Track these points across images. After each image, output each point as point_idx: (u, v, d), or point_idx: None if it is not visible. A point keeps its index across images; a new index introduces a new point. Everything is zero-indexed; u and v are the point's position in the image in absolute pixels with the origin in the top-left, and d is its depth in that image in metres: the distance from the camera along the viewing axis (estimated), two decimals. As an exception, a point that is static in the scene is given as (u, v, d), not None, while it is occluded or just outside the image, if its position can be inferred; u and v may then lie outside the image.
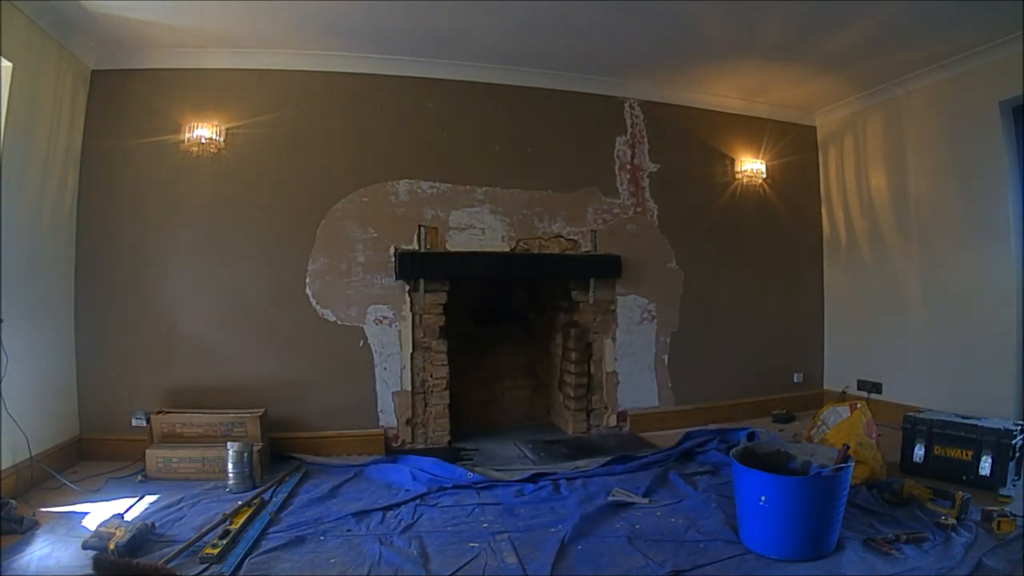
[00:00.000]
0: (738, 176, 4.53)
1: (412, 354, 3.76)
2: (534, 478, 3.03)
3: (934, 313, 3.98)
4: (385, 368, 3.72)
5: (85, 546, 2.19)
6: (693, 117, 4.44)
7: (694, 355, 4.37)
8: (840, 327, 4.72)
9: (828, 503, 2.17)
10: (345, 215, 3.70)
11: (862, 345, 4.50)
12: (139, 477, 3.04)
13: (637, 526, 2.48)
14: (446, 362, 3.82)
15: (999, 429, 2.86)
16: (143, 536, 2.25)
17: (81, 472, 3.13)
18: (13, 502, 2.46)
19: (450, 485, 2.94)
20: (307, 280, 3.65)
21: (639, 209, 4.29)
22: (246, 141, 3.59)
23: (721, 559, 2.18)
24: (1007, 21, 3.19)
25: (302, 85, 3.69)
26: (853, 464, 2.38)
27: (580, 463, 3.36)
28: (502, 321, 4.43)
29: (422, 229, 3.79)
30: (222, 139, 3.53)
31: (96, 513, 2.56)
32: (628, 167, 4.27)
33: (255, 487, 2.93)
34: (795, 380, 4.72)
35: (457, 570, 2.11)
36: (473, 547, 2.28)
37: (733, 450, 2.41)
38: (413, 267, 3.69)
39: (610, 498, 2.75)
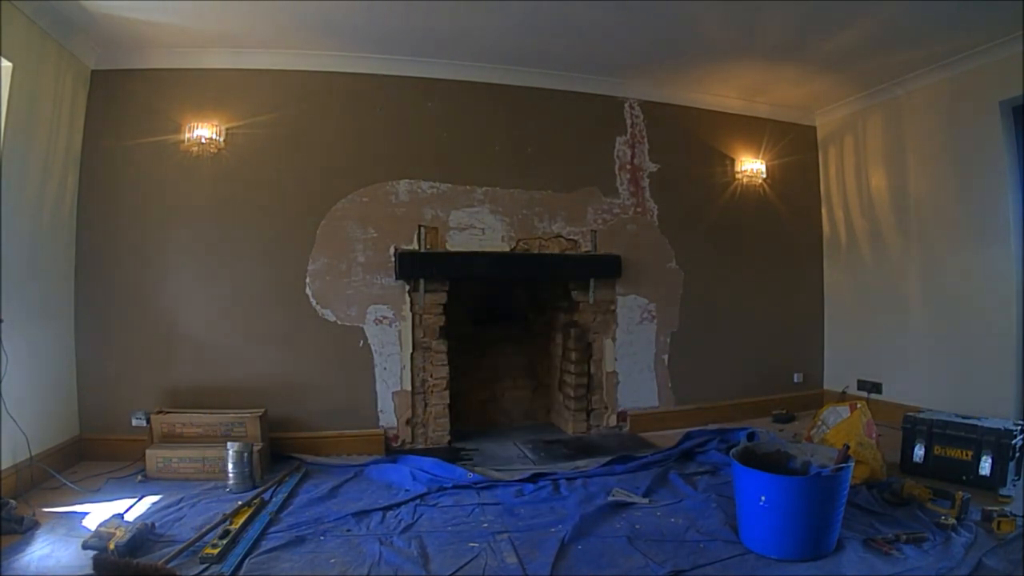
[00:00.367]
0: (738, 176, 4.53)
1: (412, 354, 3.76)
2: (534, 478, 3.03)
3: (934, 313, 3.98)
4: (385, 368, 3.72)
5: (85, 546, 2.19)
6: (693, 117, 4.44)
7: (694, 355, 4.37)
8: (840, 327, 4.72)
9: (828, 503, 2.17)
10: (345, 215, 3.70)
11: (862, 345, 4.50)
12: (139, 477, 3.04)
13: (637, 526, 2.48)
14: (446, 362, 3.82)
15: (999, 429, 2.86)
16: (143, 536, 2.25)
17: (81, 472, 3.12)
18: (13, 502, 2.46)
19: (450, 485, 2.94)
20: (307, 280, 3.65)
21: (639, 209, 4.29)
22: (246, 141, 3.59)
23: (721, 559, 2.18)
24: (1007, 21, 3.19)
25: (302, 85, 3.69)
26: (853, 464, 2.37)
27: (580, 463, 3.36)
28: (502, 321, 4.43)
29: (422, 229, 3.79)
30: (222, 139, 3.53)
31: (96, 513, 2.55)
32: (628, 167, 4.27)
33: (255, 487, 2.93)
34: (795, 380, 4.72)
35: (457, 570, 2.11)
36: (473, 547, 2.28)
37: (733, 450, 2.41)
38: (413, 267, 3.69)
39: (610, 498, 2.75)
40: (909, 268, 4.15)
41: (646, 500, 2.76)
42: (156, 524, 2.41)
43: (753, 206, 4.58)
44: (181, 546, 2.19)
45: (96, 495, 2.82)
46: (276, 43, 3.53)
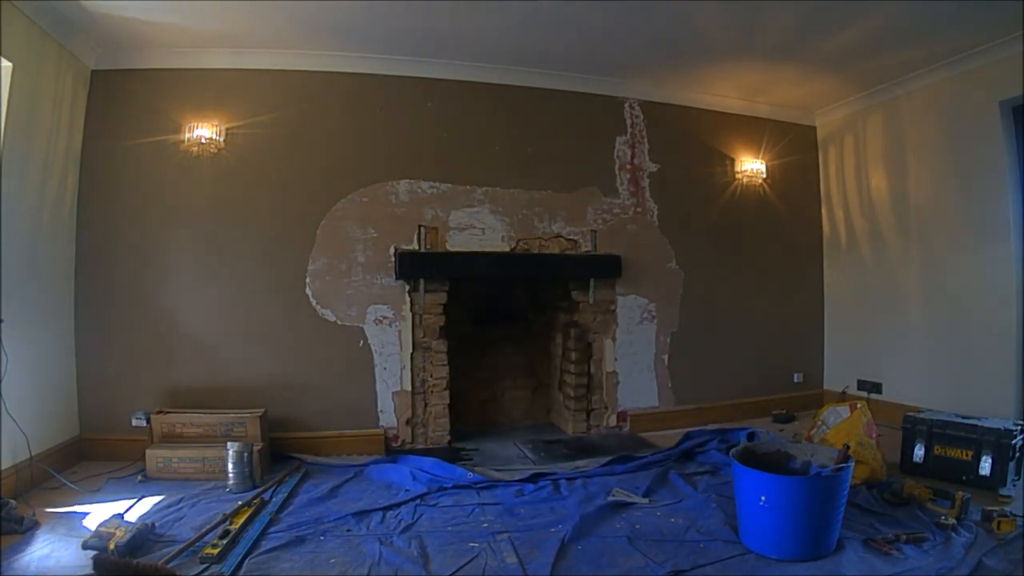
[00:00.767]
0: (738, 176, 4.53)
1: (412, 354, 3.76)
2: (534, 478, 3.03)
3: (934, 313, 3.98)
4: (385, 368, 3.72)
5: (85, 546, 2.19)
6: (693, 117, 4.44)
7: (694, 355, 4.37)
8: (840, 327, 4.72)
9: (828, 503, 2.17)
10: (345, 215, 3.70)
11: (862, 345, 4.50)
12: (139, 477, 3.04)
13: (637, 526, 2.48)
14: (446, 362, 3.82)
15: (999, 429, 2.86)
16: (143, 536, 2.25)
17: (81, 472, 3.12)
18: (13, 502, 2.46)
19: (450, 485, 2.94)
20: (307, 280, 3.65)
21: (639, 209, 4.29)
22: (246, 141, 3.59)
23: (721, 559, 2.18)
24: (1007, 21, 3.19)
25: (302, 85, 3.69)
26: (853, 464, 2.37)
27: (580, 463, 3.36)
28: (502, 321, 4.43)
29: (422, 229, 3.79)
30: (222, 139, 3.53)
31: (96, 513, 2.56)
32: (628, 167, 4.27)
33: (255, 487, 2.93)
34: (795, 380, 4.72)
35: (457, 570, 2.11)
36: (473, 547, 2.28)
37: (733, 450, 2.41)
38: (413, 267, 3.69)
39: (610, 498, 2.75)
40: (909, 268, 4.15)
41: (646, 500, 2.76)
42: (156, 524, 2.41)
43: (753, 206, 4.58)
44: (181, 546, 2.19)
45: (96, 495, 2.82)
46: (276, 43, 3.53)
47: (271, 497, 2.80)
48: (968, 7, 3.07)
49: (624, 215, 4.24)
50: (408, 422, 3.75)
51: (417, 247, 3.77)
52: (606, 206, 4.20)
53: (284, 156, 3.65)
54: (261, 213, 3.61)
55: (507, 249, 3.96)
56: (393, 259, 3.74)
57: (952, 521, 2.35)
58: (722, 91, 4.39)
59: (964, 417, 3.06)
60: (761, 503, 2.18)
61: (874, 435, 3.06)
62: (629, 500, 2.74)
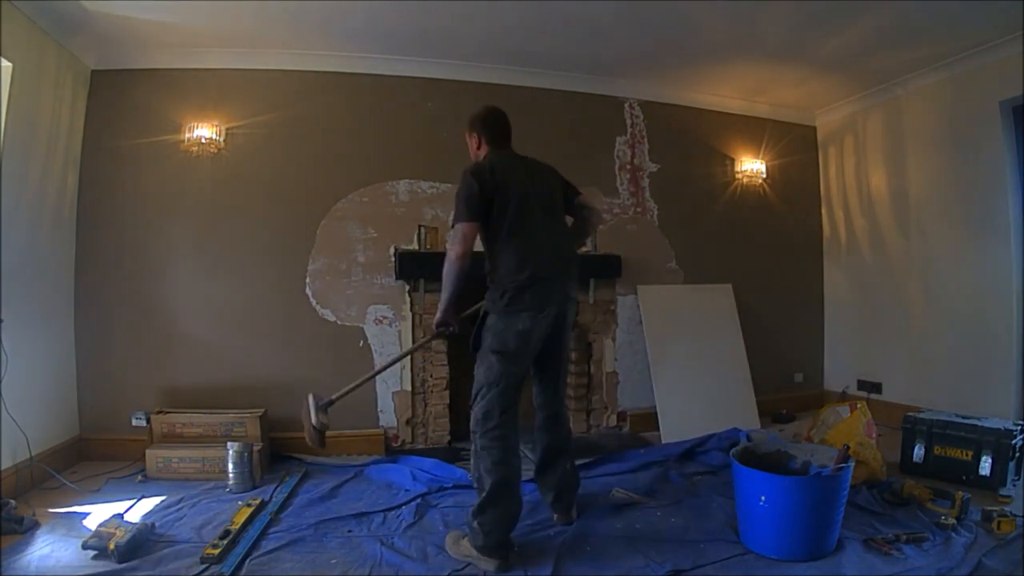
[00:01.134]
0: (738, 176, 4.53)
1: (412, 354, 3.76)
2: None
3: (934, 313, 3.98)
4: (385, 368, 3.72)
5: (85, 546, 2.18)
6: (693, 117, 4.44)
7: (694, 355, 4.36)
8: (840, 327, 4.72)
9: (828, 503, 2.17)
10: (345, 215, 3.70)
11: (862, 345, 4.50)
12: (139, 477, 3.04)
13: (637, 526, 2.48)
14: (446, 362, 3.82)
15: (999, 429, 2.86)
16: (143, 536, 2.25)
17: (81, 472, 3.13)
18: (13, 502, 2.46)
19: (451, 485, 2.94)
20: (307, 280, 3.65)
21: (639, 209, 4.29)
22: (246, 141, 3.59)
23: (721, 559, 2.18)
24: (1007, 21, 3.19)
25: (302, 85, 3.69)
26: (853, 464, 2.38)
27: (580, 463, 3.35)
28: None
29: (422, 229, 3.79)
30: (222, 139, 3.53)
31: (96, 513, 2.56)
32: (628, 167, 4.27)
33: (255, 487, 2.93)
34: (795, 380, 4.72)
35: (458, 570, 2.11)
36: (473, 547, 2.28)
37: (733, 450, 2.41)
38: (413, 267, 3.69)
39: (611, 498, 2.75)
40: (909, 268, 4.15)
41: (646, 500, 2.76)
42: (156, 524, 2.41)
43: (753, 206, 4.58)
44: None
45: (96, 495, 2.82)
46: (276, 43, 3.53)
47: (271, 497, 2.80)
48: (968, 7, 3.06)
49: (624, 215, 4.24)
50: (408, 422, 3.75)
51: (417, 247, 3.77)
52: (606, 206, 4.20)
53: (284, 156, 3.65)
54: (261, 213, 3.61)
55: (507, 249, 3.95)
56: (393, 259, 3.74)
57: (952, 521, 2.35)
58: (722, 91, 4.39)
59: (964, 417, 3.06)
60: (761, 503, 2.18)
61: (874, 435, 3.06)
62: (630, 500, 2.74)
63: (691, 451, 3.44)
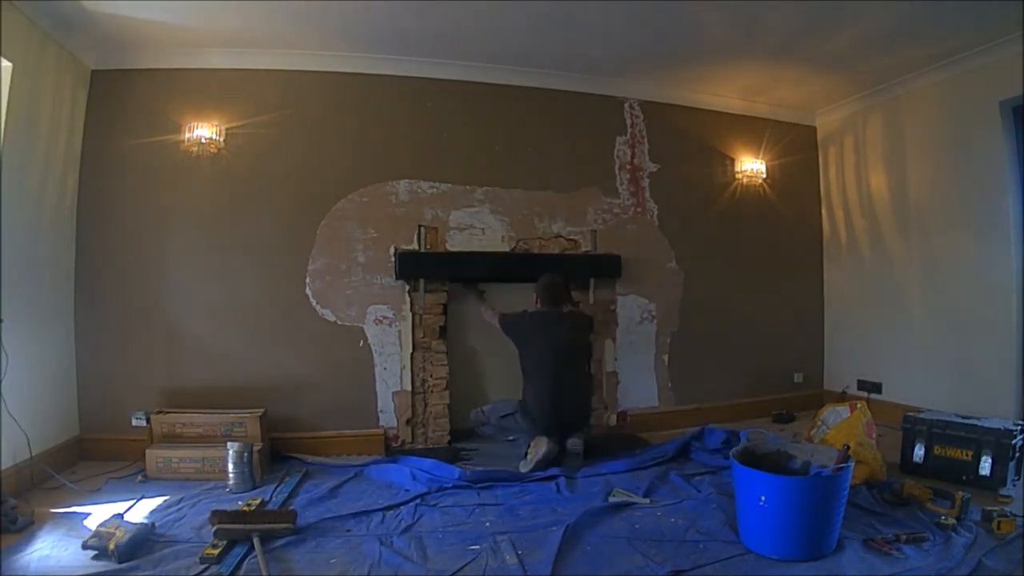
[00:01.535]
0: (738, 176, 4.53)
1: (412, 354, 3.76)
2: (535, 478, 3.04)
3: (934, 313, 3.98)
4: (385, 368, 3.72)
5: (85, 546, 2.19)
6: (693, 117, 4.44)
7: (694, 355, 4.37)
8: (840, 327, 4.72)
9: (828, 503, 2.17)
10: (345, 215, 3.70)
11: (862, 345, 4.50)
12: (139, 477, 3.04)
13: (637, 526, 2.48)
14: (446, 362, 3.82)
15: (999, 429, 2.86)
16: (143, 536, 2.25)
17: (81, 472, 3.12)
18: (13, 501, 2.46)
19: (450, 485, 2.94)
20: (307, 280, 3.65)
21: (639, 209, 4.29)
22: (246, 141, 3.59)
23: (721, 559, 2.18)
24: (1007, 21, 3.19)
25: (302, 85, 3.69)
26: (853, 464, 2.37)
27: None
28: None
29: (422, 229, 3.79)
30: (222, 139, 3.53)
31: (96, 513, 2.55)
32: (628, 167, 4.27)
33: (255, 487, 2.93)
34: (795, 380, 4.72)
35: (458, 570, 2.11)
36: (474, 548, 2.28)
37: (733, 450, 2.41)
38: (413, 267, 3.69)
39: (611, 499, 2.75)
40: (909, 268, 4.15)
41: (646, 500, 2.76)
42: (156, 524, 2.41)
43: (753, 206, 4.58)
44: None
45: (96, 495, 2.82)
46: (276, 43, 3.53)
47: (271, 497, 2.80)
48: (968, 7, 3.06)
49: (624, 215, 4.24)
50: (408, 422, 3.75)
51: (417, 247, 3.77)
52: (606, 206, 4.20)
53: (284, 156, 3.65)
54: (261, 213, 3.61)
55: (507, 249, 3.96)
56: (393, 259, 3.74)
57: (952, 521, 2.35)
58: (722, 91, 4.39)
59: (964, 417, 3.06)
60: (761, 503, 2.18)
61: (874, 435, 3.05)
62: (629, 500, 2.74)
63: (688, 450, 3.45)
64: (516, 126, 4.06)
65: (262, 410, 3.31)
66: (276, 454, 3.37)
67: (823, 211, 4.83)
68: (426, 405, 3.80)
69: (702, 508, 2.64)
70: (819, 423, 3.29)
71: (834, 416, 3.23)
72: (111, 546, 2.12)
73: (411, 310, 3.76)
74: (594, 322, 3.82)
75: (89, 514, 2.56)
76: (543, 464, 3.17)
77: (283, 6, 3.08)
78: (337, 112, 3.75)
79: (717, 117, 4.50)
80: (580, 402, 3.53)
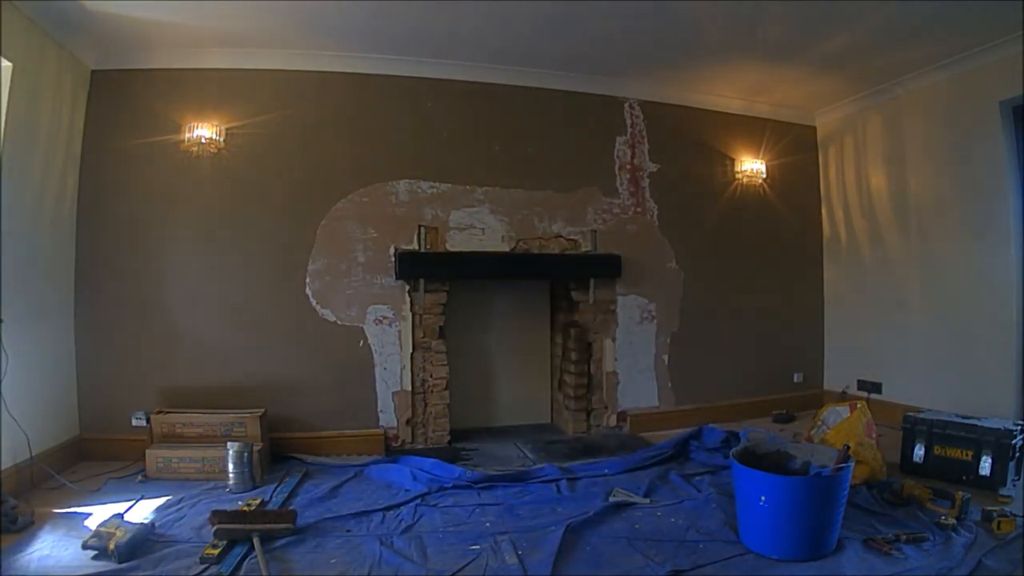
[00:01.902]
0: (738, 176, 4.53)
1: (412, 354, 3.76)
2: (535, 478, 3.03)
3: (934, 313, 3.98)
4: (385, 368, 3.72)
5: (85, 546, 2.19)
6: (693, 117, 4.44)
7: (694, 355, 4.37)
8: (840, 327, 4.72)
9: (828, 503, 2.17)
10: (345, 215, 3.70)
11: (862, 345, 4.50)
12: (139, 477, 3.04)
13: (637, 526, 2.49)
14: (446, 362, 3.82)
15: (999, 429, 2.86)
16: (143, 536, 2.25)
17: (81, 472, 3.13)
18: (13, 501, 2.46)
19: (450, 485, 2.94)
20: (307, 280, 3.65)
21: (639, 209, 4.29)
22: (246, 141, 3.59)
23: (721, 559, 2.18)
24: (1007, 21, 3.19)
25: (302, 85, 3.69)
26: (853, 464, 2.37)
27: (580, 463, 3.36)
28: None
29: (422, 229, 3.79)
30: (222, 139, 3.53)
31: (96, 513, 2.55)
32: (628, 167, 4.27)
33: (255, 487, 2.93)
34: (795, 380, 4.72)
35: (458, 570, 2.11)
36: (474, 548, 2.28)
37: (733, 450, 2.41)
38: (413, 267, 3.69)
39: (611, 499, 2.75)
40: (909, 268, 4.15)
41: (646, 500, 2.76)
42: (156, 524, 2.42)
43: (753, 206, 4.58)
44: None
45: (96, 495, 2.82)
46: (276, 43, 3.53)
47: (271, 497, 2.80)
48: (968, 7, 3.06)
49: (624, 215, 4.24)
50: (408, 422, 3.75)
51: (417, 247, 3.77)
52: (606, 206, 4.20)
53: (284, 156, 3.65)
54: (261, 213, 3.61)
55: (507, 249, 3.96)
56: (393, 259, 3.74)
57: (952, 521, 2.36)
58: (722, 91, 4.39)
59: (964, 417, 3.06)
60: (761, 503, 2.18)
61: (874, 435, 3.06)
62: (629, 500, 2.74)
63: (686, 447, 3.46)
64: (516, 126, 4.06)
65: (262, 410, 3.31)
66: (276, 454, 3.37)
67: (823, 211, 4.83)
68: (426, 405, 3.80)
69: (702, 508, 2.64)
70: (819, 423, 3.29)
71: (834, 416, 3.23)
72: (111, 546, 2.12)
73: (411, 310, 3.76)
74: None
75: (89, 514, 2.56)
76: None
77: (283, 6, 3.08)
78: (337, 112, 3.75)
79: (717, 117, 4.50)
80: None
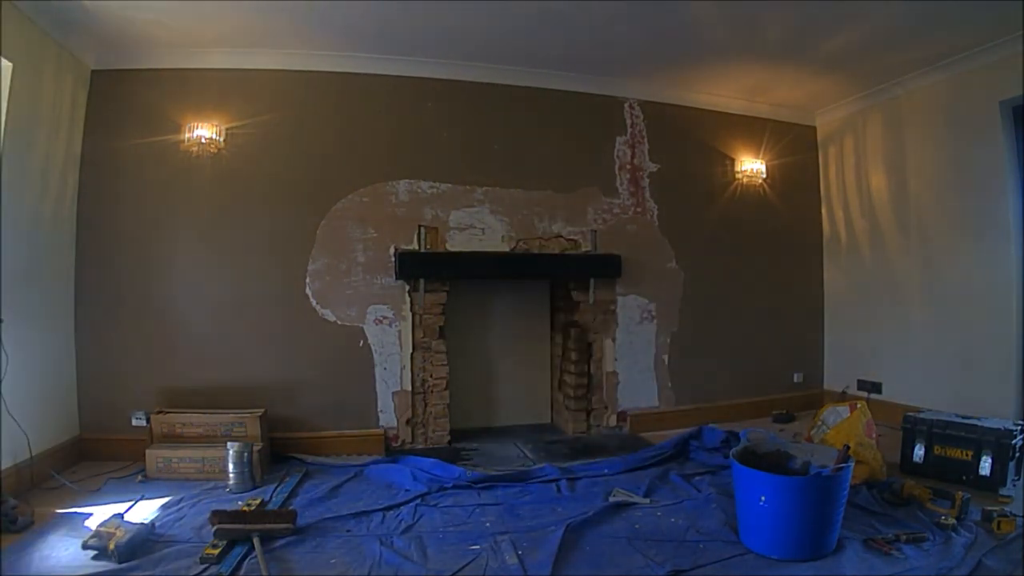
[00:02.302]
0: (738, 176, 4.53)
1: (412, 354, 3.76)
2: (534, 476, 3.03)
3: (934, 313, 3.98)
4: (385, 368, 3.72)
5: (85, 546, 2.19)
6: (693, 117, 4.44)
7: (694, 355, 4.37)
8: (840, 327, 4.72)
9: (828, 503, 2.17)
10: (345, 215, 3.70)
11: (862, 345, 4.50)
12: (139, 477, 3.04)
13: (637, 526, 2.49)
14: (446, 362, 3.82)
15: (999, 429, 2.86)
16: (143, 536, 2.25)
17: (81, 472, 3.13)
18: (13, 501, 2.46)
19: (450, 485, 2.94)
20: (307, 280, 3.65)
21: (639, 209, 4.29)
22: (246, 141, 3.59)
23: (721, 559, 2.18)
24: (1007, 21, 3.19)
25: (302, 85, 3.69)
26: (853, 464, 2.37)
27: (580, 463, 3.36)
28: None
29: (422, 229, 3.79)
30: (222, 139, 3.53)
31: (96, 513, 2.55)
32: (628, 167, 4.27)
33: (255, 487, 2.93)
34: (795, 380, 4.72)
35: (458, 570, 2.11)
36: (474, 547, 2.28)
37: (733, 450, 2.42)
38: (413, 267, 3.69)
39: (611, 499, 2.75)
40: (909, 268, 4.15)
41: (646, 500, 2.76)
42: (156, 524, 2.42)
43: (753, 206, 4.58)
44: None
45: (96, 495, 2.82)
46: (276, 43, 3.53)
47: (271, 497, 2.80)
48: (968, 7, 3.06)
49: (624, 215, 4.24)
50: (408, 422, 3.75)
51: (417, 247, 3.77)
52: (606, 206, 4.20)
53: (284, 156, 3.65)
54: (261, 213, 3.61)
55: (507, 249, 3.96)
56: (393, 259, 3.74)
57: (952, 521, 2.36)
58: (722, 91, 4.39)
59: (964, 417, 3.06)
60: (761, 503, 2.18)
61: (874, 435, 3.06)
62: (630, 500, 2.74)
63: (686, 447, 3.46)
64: (516, 126, 4.06)
65: (262, 410, 3.31)
66: (276, 454, 3.37)
67: (823, 211, 4.83)
68: (426, 405, 3.80)
69: (702, 508, 2.64)
70: (819, 423, 3.29)
71: (834, 416, 3.23)
72: (111, 546, 2.12)
73: (411, 310, 3.76)
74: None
75: (89, 514, 2.56)
76: None
77: (283, 6, 3.08)
78: (337, 112, 3.75)
79: (717, 117, 4.50)
80: None
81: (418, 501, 2.75)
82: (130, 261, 3.47)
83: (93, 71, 3.47)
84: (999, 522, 2.32)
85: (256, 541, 2.23)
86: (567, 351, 4.16)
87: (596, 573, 2.11)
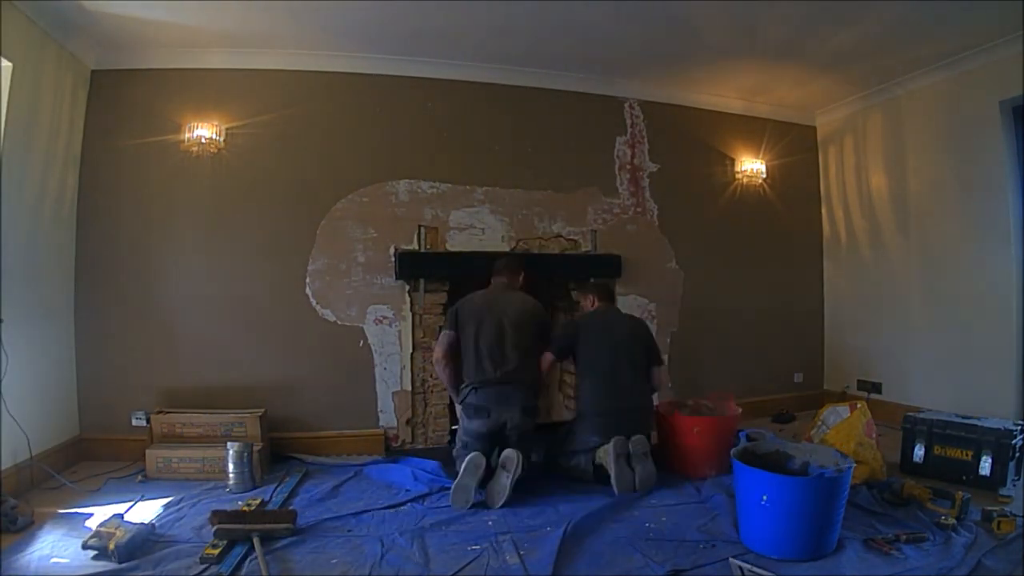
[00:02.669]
0: (738, 176, 4.53)
1: (412, 354, 3.76)
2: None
3: (934, 313, 3.98)
4: (385, 368, 3.72)
5: (85, 546, 2.18)
6: (693, 117, 4.44)
7: (694, 355, 4.36)
8: (840, 327, 4.72)
9: (829, 503, 2.17)
10: (345, 215, 3.70)
11: (862, 345, 4.50)
12: (139, 477, 3.04)
13: (637, 525, 2.48)
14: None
15: (999, 429, 2.86)
16: (143, 536, 2.25)
17: (81, 472, 3.12)
18: (13, 501, 2.46)
19: (451, 485, 2.93)
20: (307, 280, 3.65)
21: (639, 209, 4.29)
22: (246, 141, 3.59)
23: (721, 559, 2.18)
24: (1007, 21, 3.20)
25: (302, 85, 3.69)
26: (853, 464, 2.38)
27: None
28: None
29: (422, 229, 3.79)
30: (222, 139, 3.53)
31: (96, 513, 2.55)
32: (628, 167, 4.27)
33: (255, 487, 2.93)
34: (795, 380, 4.72)
35: (459, 570, 2.11)
36: (475, 547, 2.28)
37: (733, 450, 2.41)
38: (413, 267, 3.69)
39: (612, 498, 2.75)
40: (909, 268, 4.15)
41: (646, 500, 2.75)
42: (156, 524, 2.41)
43: (753, 206, 4.58)
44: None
45: (96, 495, 2.82)
46: (276, 43, 3.53)
47: (271, 497, 2.80)
48: (968, 7, 3.07)
49: (624, 215, 4.24)
50: (408, 422, 3.75)
51: (417, 247, 3.77)
52: (606, 206, 4.20)
53: (284, 156, 3.65)
54: (261, 213, 3.61)
55: (507, 249, 3.96)
56: (393, 259, 3.74)
57: (952, 521, 2.36)
58: (722, 91, 4.39)
59: (964, 417, 3.06)
60: (762, 503, 2.18)
61: (874, 435, 3.06)
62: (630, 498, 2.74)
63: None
64: (516, 126, 4.06)
65: (262, 410, 3.31)
66: (276, 454, 3.37)
67: (823, 211, 4.83)
68: (426, 405, 3.80)
69: (702, 508, 2.64)
70: (819, 423, 3.29)
71: (834, 416, 3.23)
72: (111, 546, 2.12)
73: (411, 310, 3.76)
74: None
75: (89, 514, 2.56)
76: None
77: (282, 6, 3.08)
78: (337, 112, 3.75)
79: (717, 117, 4.50)
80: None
81: (419, 501, 2.75)
82: (130, 261, 3.47)
83: (93, 71, 3.46)
84: (999, 522, 2.32)
85: (256, 541, 2.23)
86: (567, 351, 4.15)
87: (597, 573, 2.11)
